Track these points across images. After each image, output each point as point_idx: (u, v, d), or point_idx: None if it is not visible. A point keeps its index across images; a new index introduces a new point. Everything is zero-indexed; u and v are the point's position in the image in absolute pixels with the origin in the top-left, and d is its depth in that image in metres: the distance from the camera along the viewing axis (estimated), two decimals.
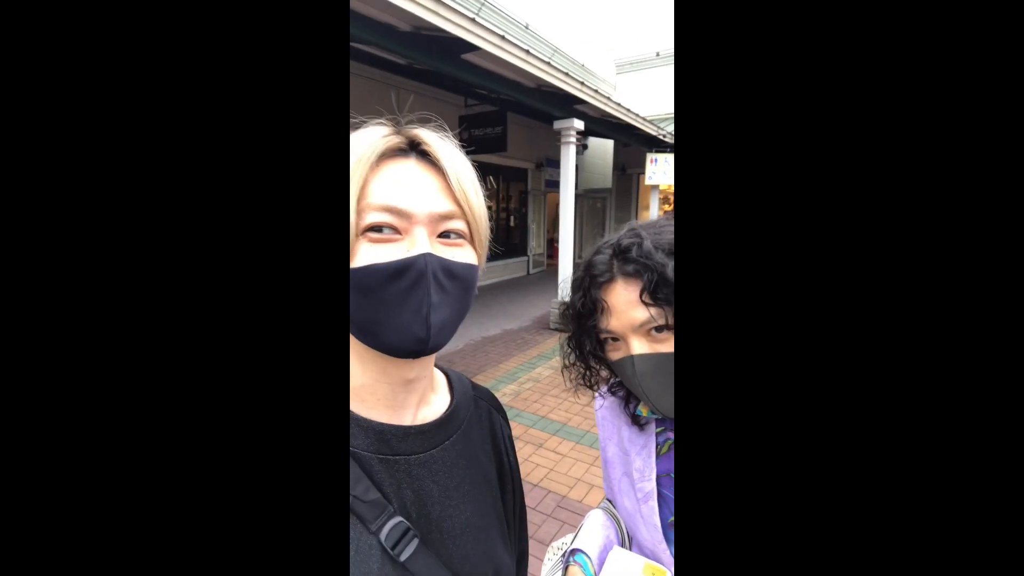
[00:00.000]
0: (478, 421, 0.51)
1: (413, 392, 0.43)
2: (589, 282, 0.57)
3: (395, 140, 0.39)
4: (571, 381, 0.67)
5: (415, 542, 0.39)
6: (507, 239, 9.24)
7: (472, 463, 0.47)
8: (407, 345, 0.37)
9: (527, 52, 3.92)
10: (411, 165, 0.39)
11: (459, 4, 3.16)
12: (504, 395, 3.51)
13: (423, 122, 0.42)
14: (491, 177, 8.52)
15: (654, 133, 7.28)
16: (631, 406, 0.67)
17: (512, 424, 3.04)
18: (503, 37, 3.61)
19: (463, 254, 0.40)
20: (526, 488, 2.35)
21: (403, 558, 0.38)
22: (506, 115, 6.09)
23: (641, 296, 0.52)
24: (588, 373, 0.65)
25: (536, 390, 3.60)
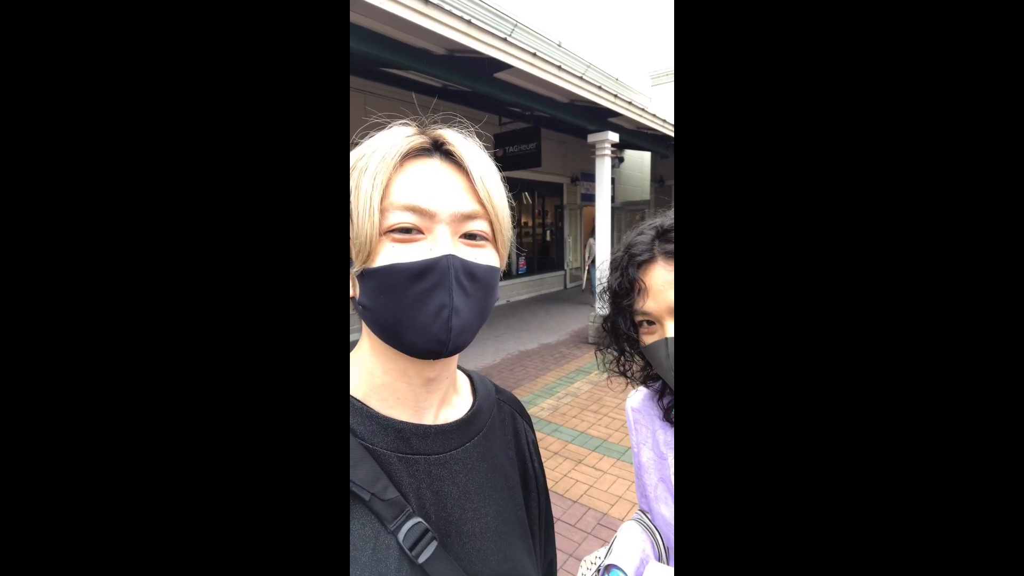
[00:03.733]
0: (501, 424, 0.50)
1: (434, 392, 0.43)
2: (628, 261, 0.56)
3: (419, 140, 0.39)
4: (605, 365, 0.65)
5: (434, 544, 0.38)
6: (543, 254, 9.25)
7: (494, 466, 0.46)
8: (428, 346, 0.37)
9: (559, 68, 3.96)
10: (435, 164, 0.38)
11: (491, 26, 3.25)
12: (542, 410, 3.46)
13: (447, 123, 0.42)
14: (527, 193, 8.60)
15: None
16: (665, 401, 0.64)
17: (551, 439, 3.00)
18: (534, 54, 3.68)
19: (486, 255, 0.40)
20: (566, 504, 2.29)
21: (421, 560, 0.37)
22: (540, 131, 6.15)
23: None
24: (622, 358, 0.63)
25: (575, 405, 3.53)
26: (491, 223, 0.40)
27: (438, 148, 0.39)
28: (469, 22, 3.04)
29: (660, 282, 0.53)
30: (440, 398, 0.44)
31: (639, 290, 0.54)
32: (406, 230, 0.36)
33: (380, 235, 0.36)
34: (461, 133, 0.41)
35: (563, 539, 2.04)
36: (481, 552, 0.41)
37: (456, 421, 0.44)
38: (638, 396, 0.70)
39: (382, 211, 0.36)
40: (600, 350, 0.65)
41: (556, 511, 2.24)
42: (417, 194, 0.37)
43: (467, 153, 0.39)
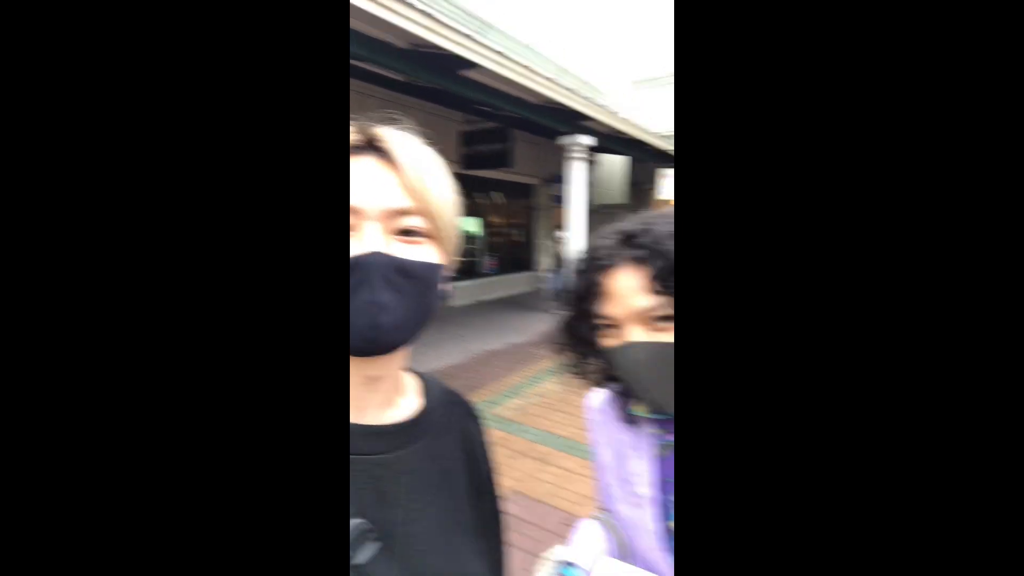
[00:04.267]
0: (450, 427, 0.50)
1: (376, 392, 0.42)
2: (591, 265, 0.56)
3: (351, 139, 0.38)
4: (561, 366, 0.65)
5: (375, 545, 0.37)
6: (514, 254, 9.25)
7: (442, 468, 0.46)
8: (357, 344, 0.36)
9: (528, 68, 3.96)
10: (367, 162, 0.38)
11: (459, 23, 3.22)
12: (508, 409, 3.43)
13: (390, 121, 0.41)
14: (497, 193, 8.58)
15: (667, 148, 7.28)
16: (623, 402, 0.64)
17: (516, 439, 2.97)
18: (502, 54, 3.66)
19: (422, 252, 0.39)
20: (531, 504, 2.27)
21: (359, 560, 0.36)
22: (510, 131, 6.14)
23: (653, 282, 0.50)
24: (579, 359, 0.63)
25: (543, 405, 3.52)
26: (428, 220, 0.39)
27: (372, 146, 0.39)
28: (431, 16, 2.99)
29: (623, 287, 0.52)
30: (383, 398, 0.44)
31: (602, 294, 0.54)
32: None
33: None
34: (400, 130, 0.41)
35: (528, 539, 2.02)
36: (425, 553, 0.41)
37: (400, 422, 0.44)
38: (598, 396, 0.70)
39: None
40: (559, 351, 0.65)
41: (521, 511, 2.21)
42: None
43: (400, 149, 0.39)
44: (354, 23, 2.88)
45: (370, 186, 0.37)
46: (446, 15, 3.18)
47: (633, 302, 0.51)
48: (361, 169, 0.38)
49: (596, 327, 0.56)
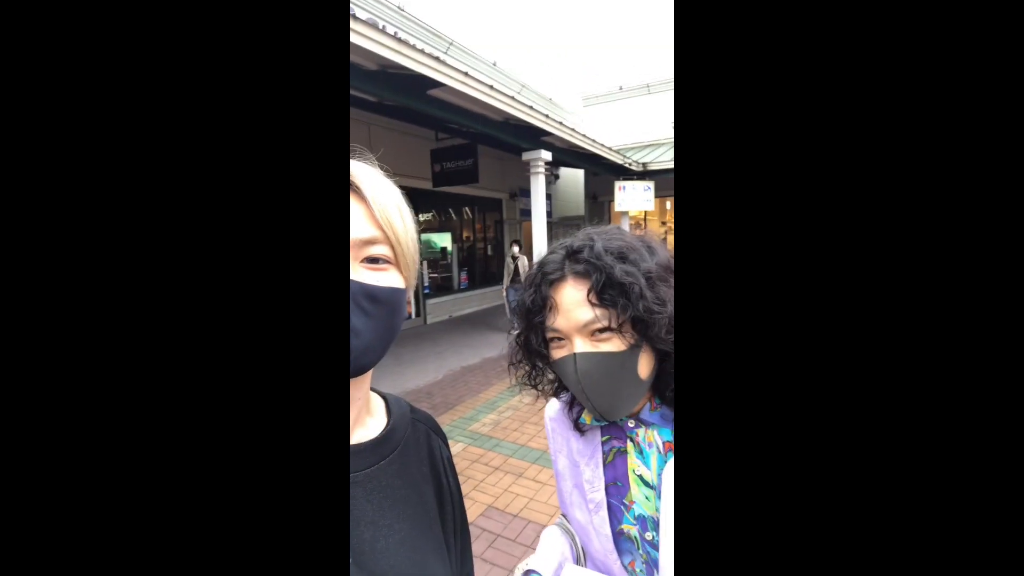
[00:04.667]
0: (415, 443, 0.52)
1: (350, 407, 0.44)
2: (540, 279, 0.58)
3: None
4: (516, 379, 0.68)
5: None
6: (485, 268, 9.30)
7: (408, 483, 0.48)
8: None
9: (491, 87, 4.05)
10: None
11: (426, 44, 3.27)
12: (484, 425, 3.45)
13: (352, 154, 0.43)
14: (467, 208, 8.63)
15: (620, 162, 7.53)
16: (574, 412, 0.67)
17: (492, 454, 2.98)
18: (466, 73, 3.74)
19: (388, 278, 0.42)
20: (507, 519, 2.28)
21: None
22: (476, 148, 6.23)
23: (588, 296, 0.53)
24: (532, 372, 0.66)
25: (516, 418, 3.55)
26: (392, 248, 0.42)
27: None
28: (399, 39, 3.04)
29: (569, 300, 0.54)
30: (353, 418, 0.45)
31: (550, 307, 0.56)
32: None
33: None
34: (365, 163, 0.43)
35: (504, 555, 2.03)
36: (395, 568, 0.43)
37: (369, 441, 0.46)
38: (555, 406, 0.72)
39: None
40: (513, 364, 0.67)
41: (496, 526, 2.23)
42: None
43: (366, 182, 0.41)
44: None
45: None
46: (413, 36, 3.23)
47: (576, 315, 0.53)
48: None
49: (547, 340, 0.58)
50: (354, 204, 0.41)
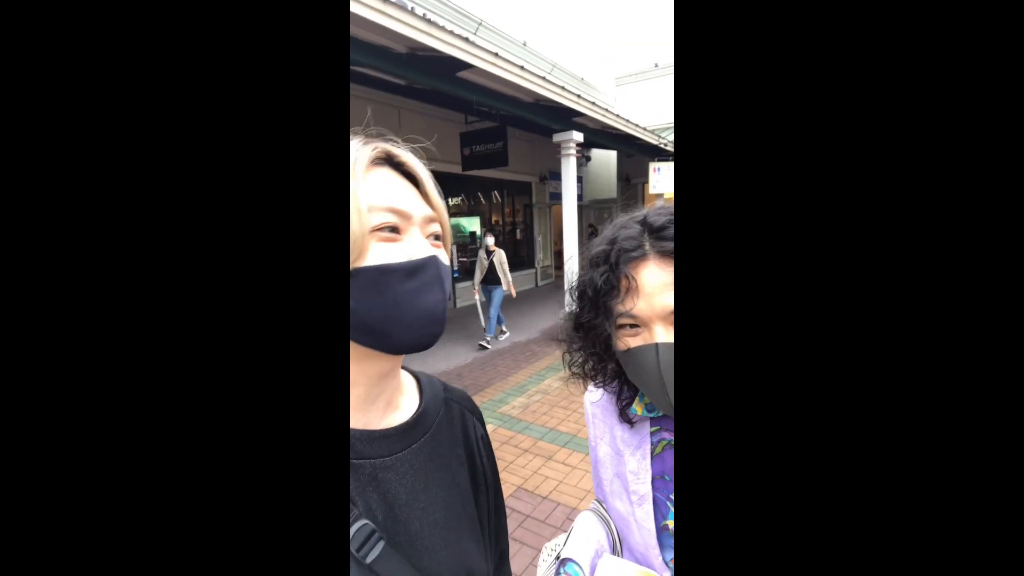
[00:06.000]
0: (449, 423, 0.51)
1: (382, 393, 0.44)
2: (617, 256, 0.50)
3: (372, 152, 0.41)
4: (570, 367, 0.62)
5: (381, 544, 0.39)
6: (514, 252, 9.28)
7: (442, 466, 0.48)
8: (422, 340, 0.40)
9: (521, 68, 3.98)
10: (390, 174, 0.41)
11: (455, 24, 3.23)
12: (513, 408, 3.48)
13: (382, 138, 0.44)
14: (496, 192, 8.60)
15: (655, 142, 7.31)
16: (623, 400, 0.63)
17: (521, 437, 3.01)
18: (496, 54, 3.68)
19: (443, 255, 0.44)
20: (536, 501, 2.31)
21: (368, 560, 0.38)
22: (506, 130, 6.17)
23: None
24: (593, 361, 0.59)
25: (545, 402, 3.56)
26: (441, 225, 0.44)
27: (388, 160, 0.42)
28: (428, 20, 3.01)
29: (653, 282, 0.48)
30: (386, 401, 0.45)
31: (628, 289, 0.49)
32: (393, 229, 0.39)
33: (364, 235, 0.37)
34: (402, 147, 0.44)
35: (533, 535, 2.06)
36: (429, 549, 0.43)
37: (401, 424, 0.46)
38: (597, 393, 0.68)
39: (363, 212, 0.37)
40: (569, 351, 0.62)
41: (526, 507, 2.26)
42: (393, 197, 0.39)
43: (414, 164, 0.43)
44: (354, 30, 2.90)
45: (408, 194, 0.41)
46: (442, 17, 3.20)
47: (662, 299, 0.47)
48: (393, 179, 0.41)
49: (617, 325, 0.51)
50: (404, 182, 0.42)
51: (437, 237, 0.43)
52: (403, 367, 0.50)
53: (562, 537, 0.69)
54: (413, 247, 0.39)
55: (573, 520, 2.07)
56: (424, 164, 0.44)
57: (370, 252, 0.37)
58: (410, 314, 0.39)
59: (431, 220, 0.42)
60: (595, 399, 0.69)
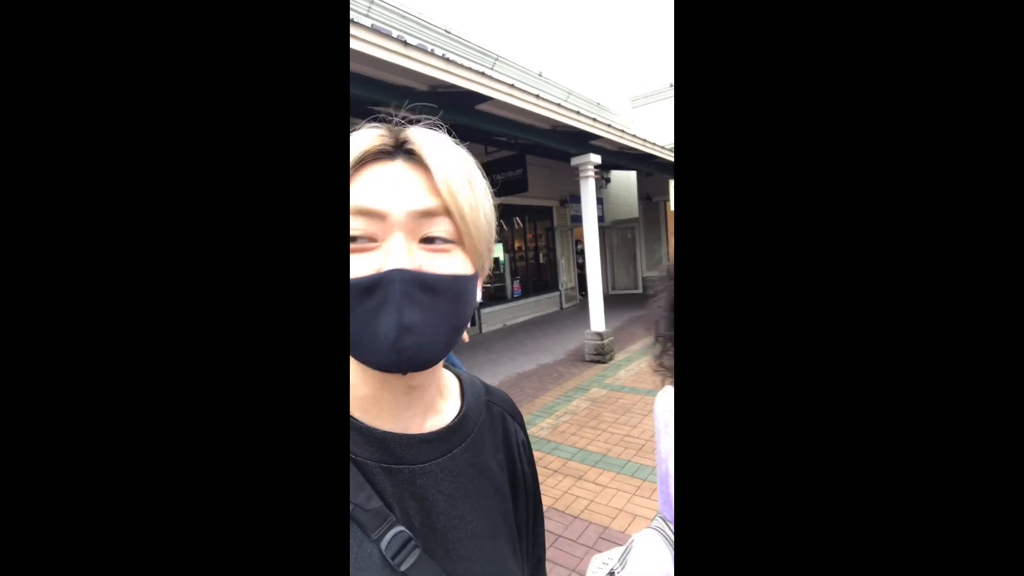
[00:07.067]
0: (490, 427, 0.50)
1: (417, 401, 0.42)
2: None
3: (378, 142, 0.37)
4: (655, 357, 0.60)
5: (417, 552, 0.38)
6: (538, 276, 9.36)
7: (482, 472, 0.46)
8: (383, 365, 0.35)
9: (537, 96, 4.14)
10: (396, 166, 0.36)
11: (472, 62, 3.41)
12: (541, 429, 3.48)
13: (419, 122, 0.40)
14: (517, 218, 8.76)
15: (673, 160, 7.34)
16: None
17: (550, 457, 3.01)
18: (512, 85, 3.85)
19: (449, 262, 0.37)
20: (567, 520, 2.30)
21: (404, 567, 0.37)
22: (524, 157, 6.34)
23: None
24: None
25: (574, 423, 3.55)
26: (456, 224, 0.37)
27: (400, 148, 0.37)
28: (448, 59, 3.20)
29: None
30: (425, 406, 0.44)
31: None
32: (367, 237, 0.35)
33: None
34: (430, 129, 0.39)
35: (565, 555, 2.05)
36: (466, 557, 0.42)
37: (441, 429, 0.44)
38: (669, 398, 0.63)
39: None
40: (661, 341, 0.60)
41: (557, 527, 2.25)
42: (368, 196, 0.35)
43: (429, 149, 0.36)
44: (378, 73, 3.11)
45: (396, 189, 0.35)
46: (461, 56, 3.38)
47: None
48: (388, 174, 0.36)
49: None
50: (414, 175, 0.36)
51: (436, 240, 0.36)
52: (446, 366, 0.48)
53: (615, 552, 0.64)
54: (384, 258, 0.34)
55: (604, 538, 1.97)
56: (454, 149, 0.38)
57: None
58: (370, 335, 0.34)
59: (426, 215, 0.35)
60: (667, 406, 0.64)
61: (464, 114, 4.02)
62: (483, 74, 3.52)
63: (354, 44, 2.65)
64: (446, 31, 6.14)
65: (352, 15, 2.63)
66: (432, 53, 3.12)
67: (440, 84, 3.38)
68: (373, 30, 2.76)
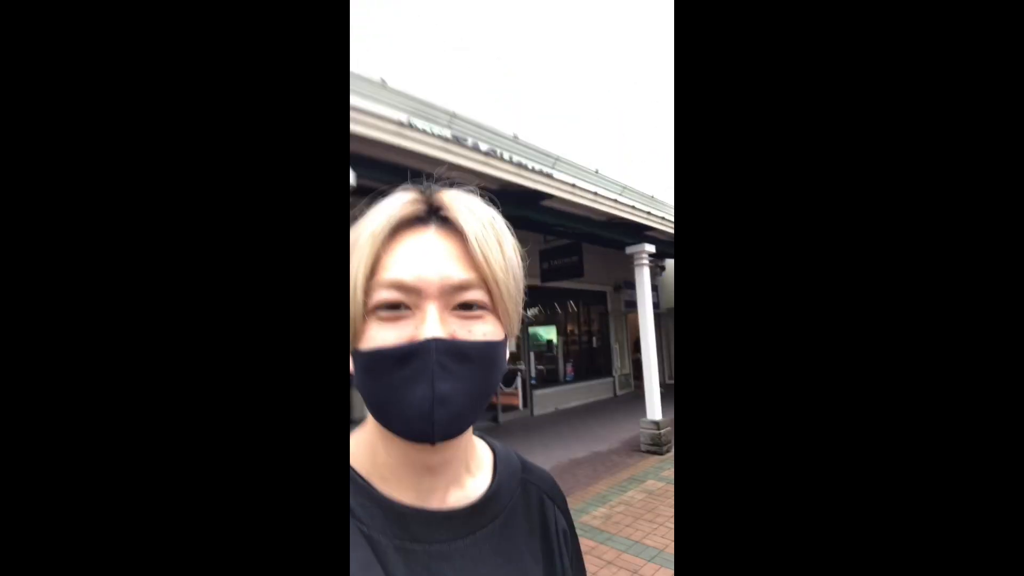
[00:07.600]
0: (525, 509, 0.45)
1: (439, 477, 0.40)
2: None
3: (411, 209, 0.37)
4: None
5: None
6: (591, 360, 9.31)
7: (510, 559, 0.41)
8: (413, 436, 0.35)
9: (595, 194, 4.53)
10: (429, 235, 0.37)
11: (534, 162, 3.89)
12: (594, 518, 3.37)
13: (453, 185, 0.40)
14: (572, 301, 8.97)
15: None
16: None
17: (604, 547, 2.90)
18: (573, 184, 4.27)
19: (482, 328, 0.37)
20: None
21: None
22: (581, 246, 6.71)
23: None
24: None
25: (628, 514, 3.42)
26: (489, 290, 0.37)
27: (435, 214, 0.38)
28: (518, 164, 3.67)
29: None
30: (447, 481, 0.41)
31: None
32: (393, 306, 0.35)
33: (365, 315, 0.35)
34: (463, 193, 0.39)
35: None
36: None
37: (466, 507, 0.40)
38: None
39: (369, 289, 0.35)
40: None
41: None
42: (404, 268, 0.35)
43: (463, 216, 0.37)
44: (462, 176, 3.60)
45: (431, 262, 0.35)
46: (524, 157, 3.86)
47: None
48: (422, 244, 0.36)
49: None
50: (447, 245, 0.36)
51: (473, 306, 0.36)
52: (479, 435, 0.46)
53: None
54: (417, 327, 0.34)
55: None
56: (482, 208, 0.39)
57: (368, 334, 0.35)
58: (401, 405, 0.34)
59: (462, 287, 0.35)
60: None
61: (529, 209, 4.46)
62: (547, 175, 3.96)
63: (438, 153, 3.15)
64: (514, 137, 6.91)
65: (434, 128, 3.15)
66: (502, 158, 3.61)
67: (509, 185, 3.85)
68: (454, 140, 3.28)
